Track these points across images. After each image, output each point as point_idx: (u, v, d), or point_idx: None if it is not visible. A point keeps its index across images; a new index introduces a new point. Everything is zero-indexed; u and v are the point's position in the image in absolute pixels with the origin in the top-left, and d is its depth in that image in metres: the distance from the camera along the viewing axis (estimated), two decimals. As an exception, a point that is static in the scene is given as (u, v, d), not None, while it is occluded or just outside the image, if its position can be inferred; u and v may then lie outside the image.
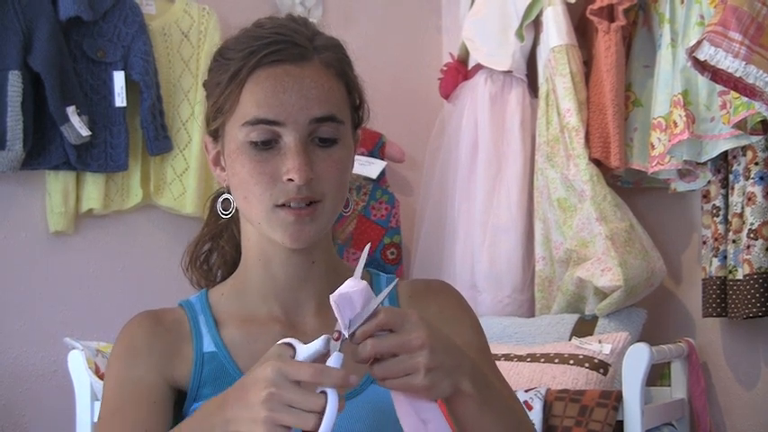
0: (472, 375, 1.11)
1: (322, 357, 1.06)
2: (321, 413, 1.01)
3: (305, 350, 1.06)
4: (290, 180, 1.23)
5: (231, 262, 1.40)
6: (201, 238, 1.42)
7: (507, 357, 2.78)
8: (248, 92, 1.25)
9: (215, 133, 1.31)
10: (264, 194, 1.24)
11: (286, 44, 1.26)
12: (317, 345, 1.07)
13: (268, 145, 1.24)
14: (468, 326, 1.35)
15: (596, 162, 2.97)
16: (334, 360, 1.05)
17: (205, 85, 1.33)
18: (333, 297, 1.06)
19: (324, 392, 1.02)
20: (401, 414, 1.10)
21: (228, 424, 1.06)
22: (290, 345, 1.07)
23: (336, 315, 1.06)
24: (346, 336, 1.06)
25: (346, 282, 1.07)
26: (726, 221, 2.78)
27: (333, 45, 1.30)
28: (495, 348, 2.74)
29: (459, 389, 1.10)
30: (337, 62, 1.29)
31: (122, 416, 1.24)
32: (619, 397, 2.54)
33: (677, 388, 2.87)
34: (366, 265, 1.19)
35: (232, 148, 1.27)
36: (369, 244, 1.22)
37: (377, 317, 1.06)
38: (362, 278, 1.09)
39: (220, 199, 1.34)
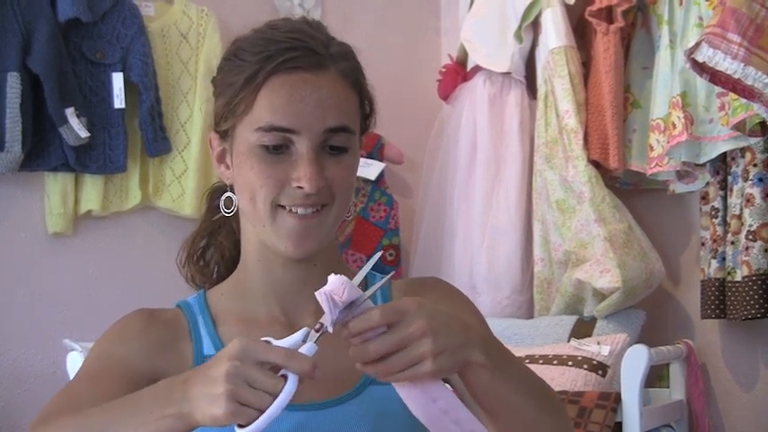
0: (482, 346, 1.10)
1: (299, 348, 1.05)
2: (276, 396, 1.00)
3: (282, 342, 1.05)
4: (300, 188, 1.23)
5: (229, 258, 1.40)
6: (198, 234, 1.41)
7: (506, 359, 2.78)
8: (263, 97, 1.24)
9: (224, 133, 1.30)
10: (269, 196, 1.24)
11: (303, 50, 1.25)
12: (295, 336, 1.06)
13: (279, 150, 1.24)
14: (470, 315, 1.33)
15: (595, 163, 2.97)
16: (306, 349, 1.05)
17: (215, 82, 1.32)
18: (318, 292, 1.05)
19: (285, 377, 1.01)
20: (408, 398, 1.08)
21: (187, 401, 1.04)
22: (266, 342, 1.06)
23: (324, 308, 1.05)
24: (330, 330, 1.05)
25: (330, 277, 1.06)
26: (724, 223, 2.78)
27: (347, 52, 1.30)
28: (494, 350, 2.73)
29: (468, 362, 1.08)
30: (352, 71, 1.29)
31: (92, 383, 1.20)
32: (617, 398, 2.54)
33: (676, 389, 2.87)
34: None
35: (242, 149, 1.26)
36: (380, 252, 1.21)
37: (372, 317, 1.05)
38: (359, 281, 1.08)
39: (223, 197, 1.33)
